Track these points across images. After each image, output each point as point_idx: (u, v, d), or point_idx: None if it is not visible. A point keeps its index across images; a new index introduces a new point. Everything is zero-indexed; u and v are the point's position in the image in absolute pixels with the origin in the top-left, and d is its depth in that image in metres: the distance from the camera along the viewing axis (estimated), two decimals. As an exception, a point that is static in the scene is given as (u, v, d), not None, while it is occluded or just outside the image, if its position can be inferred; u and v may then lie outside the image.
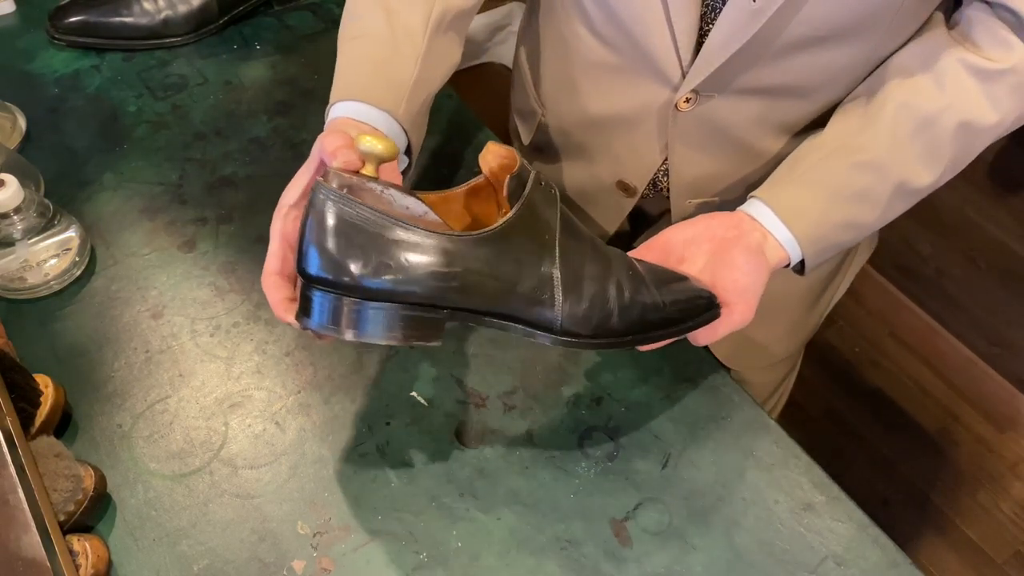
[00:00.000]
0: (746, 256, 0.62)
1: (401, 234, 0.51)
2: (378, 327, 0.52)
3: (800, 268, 0.68)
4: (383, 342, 0.52)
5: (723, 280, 0.62)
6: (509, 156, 0.57)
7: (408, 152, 0.65)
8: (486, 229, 0.53)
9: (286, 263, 0.57)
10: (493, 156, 0.58)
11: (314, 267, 0.51)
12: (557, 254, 0.55)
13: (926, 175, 0.66)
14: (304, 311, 0.53)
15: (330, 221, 0.50)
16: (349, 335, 0.52)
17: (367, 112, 0.61)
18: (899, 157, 0.65)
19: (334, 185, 0.51)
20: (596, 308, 0.56)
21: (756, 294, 0.62)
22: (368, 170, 0.52)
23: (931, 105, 0.64)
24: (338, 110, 0.62)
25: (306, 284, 0.52)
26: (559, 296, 0.55)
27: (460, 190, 0.59)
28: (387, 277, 0.51)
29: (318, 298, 0.52)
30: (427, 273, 0.51)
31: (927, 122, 0.64)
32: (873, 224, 0.67)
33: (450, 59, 0.68)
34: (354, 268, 0.50)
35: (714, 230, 0.64)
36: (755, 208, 0.66)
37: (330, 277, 0.51)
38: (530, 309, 0.55)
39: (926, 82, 0.65)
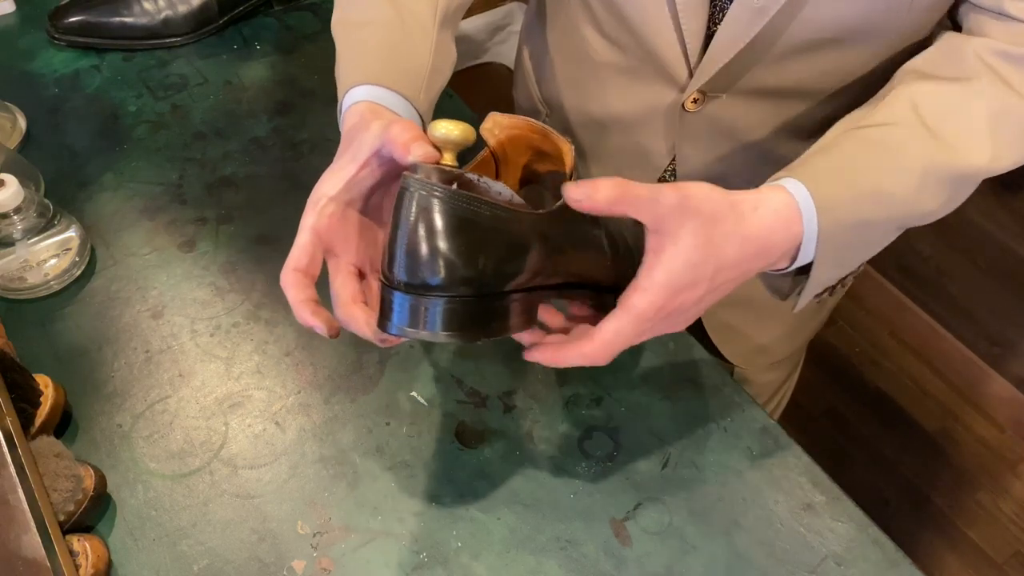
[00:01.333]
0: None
1: (514, 221, 0.47)
2: (500, 320, 0.49)
3: (805, 269, 0.64)
4: (501, 335, 0.49)
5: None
6: (520, 125, 0.54)
7: None
8: (563, 200, 0.50)
9: (313, 261, 0.52)
10: (501, 128, 0.54)
11: (432, 274, 0.46)
12: None
13: (979, 157, 0.58)
14: (408, 322, 0.47)
15: (445, 220, 0.45)
16: (488, 334, 0.48)
17: (388, 98, 0.58)
18: (923, 139, 0.58)
19: (428, 179, 0.45)
20: (627, 251, 0.57)
21: (684, 229, 0.51)
22: (448, 159, 0.48)
23: (958, 94, 0.59)
24: (357, 94, 0.57)
25: (409, 290, 0.47)
26: (607, 250, 0.55)
27: (468, 169, 0.55)
28: (506, 268, 0.47)
29: (441, 305, 0.46)
30: (539, 255, 0.49)
31: (957, 108, 0.59)
32: (905, 196, 0.57)
33: (452, 54, 0.67)
34: (476, 266, 0.46)
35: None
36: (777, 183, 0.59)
37: (449, 280, 0.46)
38: (594, 269, 0.55)
39: (947, 68, 0.61)
